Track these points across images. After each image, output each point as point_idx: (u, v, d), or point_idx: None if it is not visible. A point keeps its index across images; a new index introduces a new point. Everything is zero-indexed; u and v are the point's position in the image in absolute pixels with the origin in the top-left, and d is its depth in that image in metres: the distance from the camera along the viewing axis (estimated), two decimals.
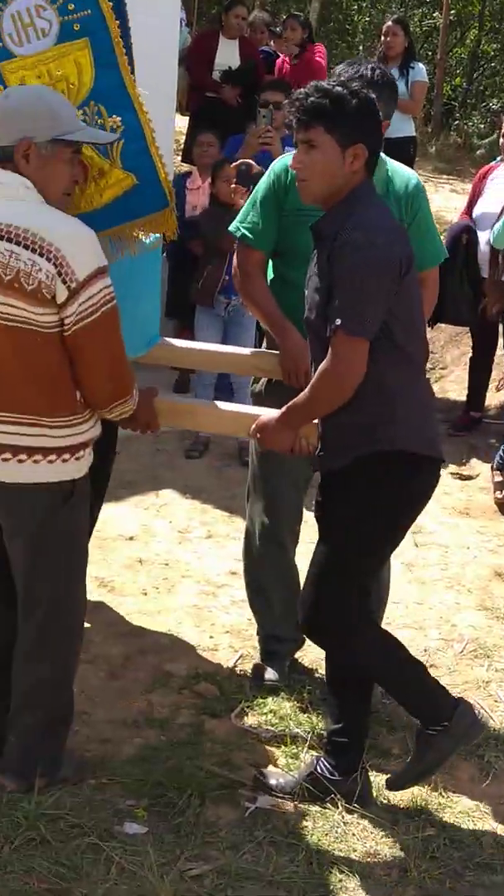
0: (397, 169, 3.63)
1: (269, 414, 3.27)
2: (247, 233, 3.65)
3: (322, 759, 3.32)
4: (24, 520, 3.04)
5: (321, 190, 3.02)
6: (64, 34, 3.10)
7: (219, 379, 6.16)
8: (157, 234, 3.39)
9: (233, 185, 5.20)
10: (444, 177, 11.75)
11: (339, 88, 2.96)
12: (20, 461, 2.96)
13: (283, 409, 3.18)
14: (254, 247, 3.65)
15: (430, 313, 3.77)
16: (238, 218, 3.70)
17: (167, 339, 3.92)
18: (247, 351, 4.07)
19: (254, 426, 3.25)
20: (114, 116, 3.12)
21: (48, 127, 2.89)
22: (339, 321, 2.90)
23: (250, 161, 5.03)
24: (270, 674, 3.90)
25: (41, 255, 2.82)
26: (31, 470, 2.97)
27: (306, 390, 3.07)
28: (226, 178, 5.89)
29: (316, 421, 3.15)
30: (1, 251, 2.83)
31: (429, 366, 7.28)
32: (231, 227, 3.73)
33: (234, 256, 3.80)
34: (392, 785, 3.27)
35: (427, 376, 3.36)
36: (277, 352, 3.64)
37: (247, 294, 3.74)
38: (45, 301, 2.84)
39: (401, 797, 3.34)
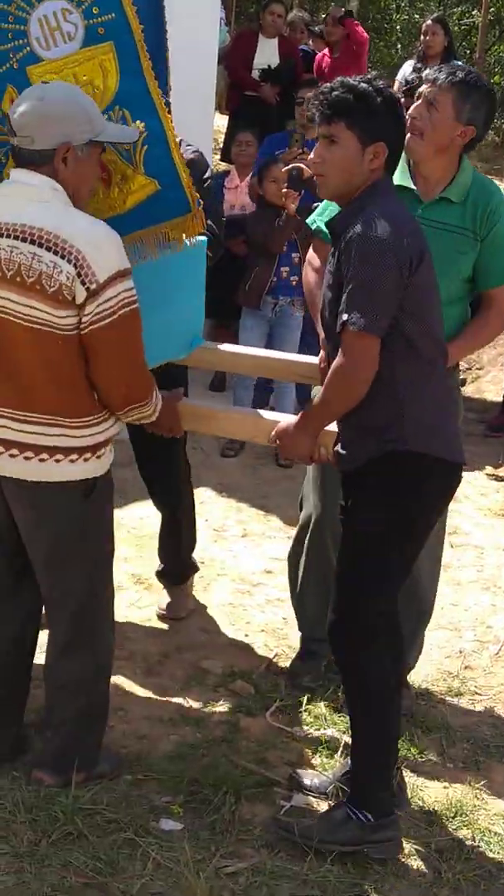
0: (483, 181, 3.57)
1: (288, 420, 3.22)
2: (323, 227, 3.60)
3: None
4: (46, 517, 3.05)
5: (338, 187, 2.99)
6: (89, 38, 3.08)
7: (258, 378, 6.13)
8: (202, 237, 3.38)
9: (284, 189, 5.20)
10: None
11: (364, 85, 2.92)
12: (42, 460, 2.97)
13: (300, 414, 3.15)
14: (328, 242, 3.62)
15: (497, 334, 3.68)
16: (317, 212, 3.68)
17: (210, 342, 3.92)
18: (289, 356, 4.05)
19: (274, 432, 3.19)
20: (137, 122, 3.11)
21: (85, 130, 2.90)
22: (345, 316, 2.84)
23: (301, 165, 5.03)
24: (306, 673, 3.91)
25: (62, 256, 2.82)
26: (52, 469, 2.98)
27: (321, 392, 3.02)
28: (273, 178, 5.88)
29: (335, 429, 3.11)
30: (24, 253, 2.83)
31: (465, 366, 7.31)
32: (308, 220, 3.71)
33: (309, 250, 3.75)
34: (278, 825, 3.10)
35: (462, 377, 3.30)
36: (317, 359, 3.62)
37: (309, 289, 3.69)
38: (65, 303, 2.84)
39: (435, 798, 3.34)
